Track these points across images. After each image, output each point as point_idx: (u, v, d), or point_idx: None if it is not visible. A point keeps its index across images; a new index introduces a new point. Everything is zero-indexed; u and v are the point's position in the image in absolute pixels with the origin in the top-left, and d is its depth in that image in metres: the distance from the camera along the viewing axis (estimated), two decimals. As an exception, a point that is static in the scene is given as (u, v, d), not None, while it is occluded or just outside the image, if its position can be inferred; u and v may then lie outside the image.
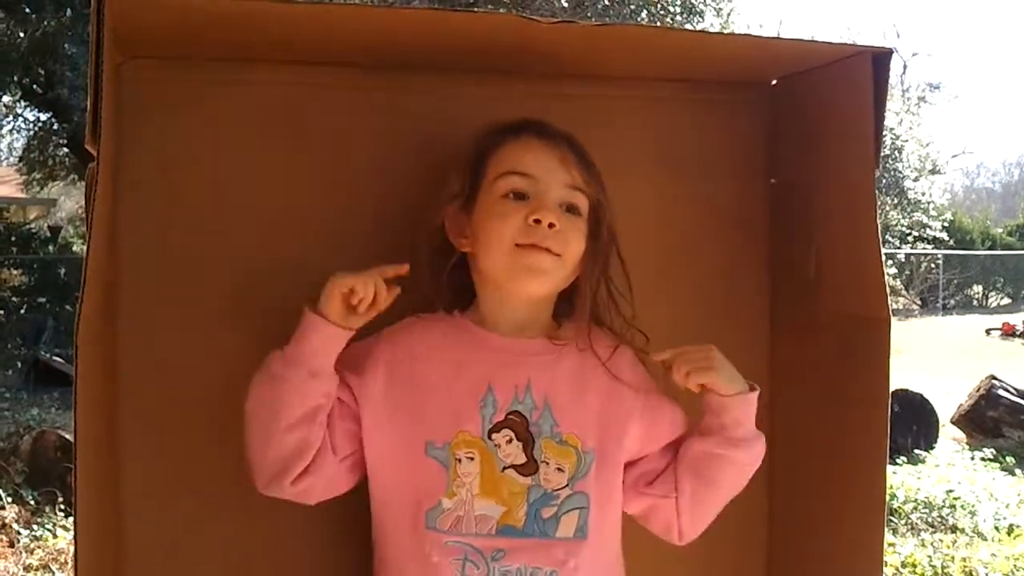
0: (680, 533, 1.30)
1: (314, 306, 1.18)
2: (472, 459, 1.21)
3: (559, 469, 1.23)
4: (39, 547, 4.04)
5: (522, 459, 1.22)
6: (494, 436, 1.22)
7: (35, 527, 4.24)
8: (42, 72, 9.19)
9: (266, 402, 1.19)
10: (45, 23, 8.06)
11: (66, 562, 3.83)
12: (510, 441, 1.22)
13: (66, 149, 10.90)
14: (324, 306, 1.18)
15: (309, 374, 1.17)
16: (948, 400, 7.25)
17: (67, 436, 4.75)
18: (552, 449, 1.23)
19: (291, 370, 1.17)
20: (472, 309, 1.30)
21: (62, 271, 12.19)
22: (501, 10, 6.90)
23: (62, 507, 4.37)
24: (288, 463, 1.19)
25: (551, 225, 1.20)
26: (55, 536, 4.16)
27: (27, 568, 3.84)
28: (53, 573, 3.81)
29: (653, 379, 1.31)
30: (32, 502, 4.51)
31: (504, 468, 1.22)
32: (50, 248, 14.01)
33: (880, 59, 1.32)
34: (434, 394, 1.24)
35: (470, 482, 1.21)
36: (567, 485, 1.23)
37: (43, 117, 10.97)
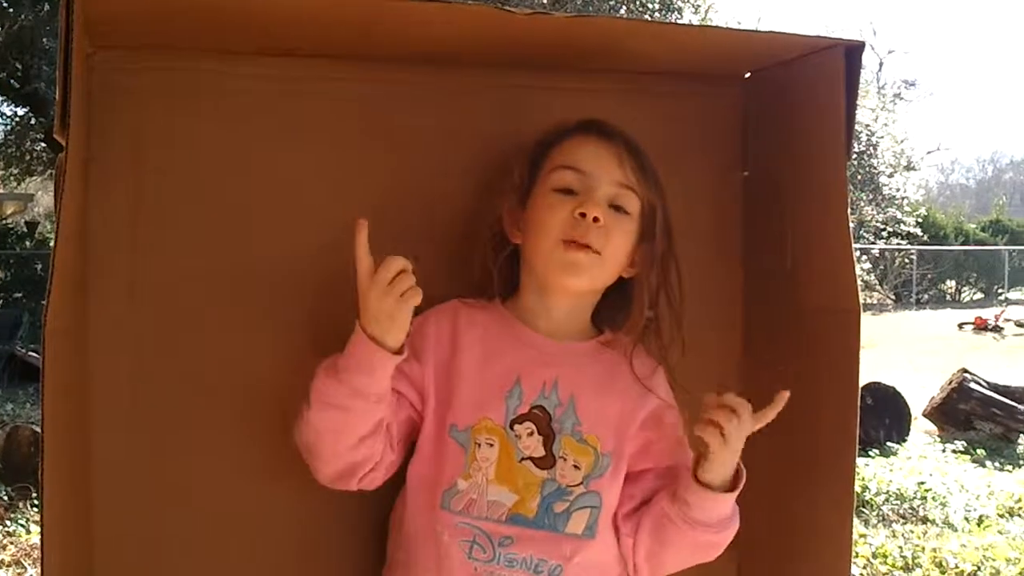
0: (635, 569, 1.30)
1: (370, 336, 1.13)
2: (492, 446, 1.24)
3: (575, 466, 1.25)
4: (11, 543, 4.02)
5: (541, 452, 1.24)
6: (516, 427, 1.24)
7: (8, 523, 4.21)
8: (19, 67, 9.11)
9: (332, 430, 1.19)
10: (22, 17, 7.97)
11: (40, 557, 3.80)
12: (531, 434, 1.24)
13: (43, 144, 10.80)
14: (389, 337, 1.14)
15: (376, 400, 1.17)
16: (921, 393, 7.32)
17: (40, 431, 4.70)
18: (571, 447, 1.25)
19: (357, 401, 1.16)
20: (515, 300, 1.32)
21: (39, 267, 12.06)
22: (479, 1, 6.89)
23: (35, 503, 4.33)
24: (355, 471, 1.22)
25: (596, 220, 1.23)
26: (28, 532, 4.13)
27: (-2, 563, 3.81)
28: (25, 569, 3.78)
29: (677, 406, 1.33)
30: (5, 498, 4.47)
31: (522, 459, 1.24)
32: (27, 243, 13.87)
33: (852, 52, 1.33)
34: (464, 380, 1.26)
35: (486, 467, 1.23)
36: (581, 483, 1.25)
37: (20, 112, 10.89)
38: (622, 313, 1.33)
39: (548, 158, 1.30)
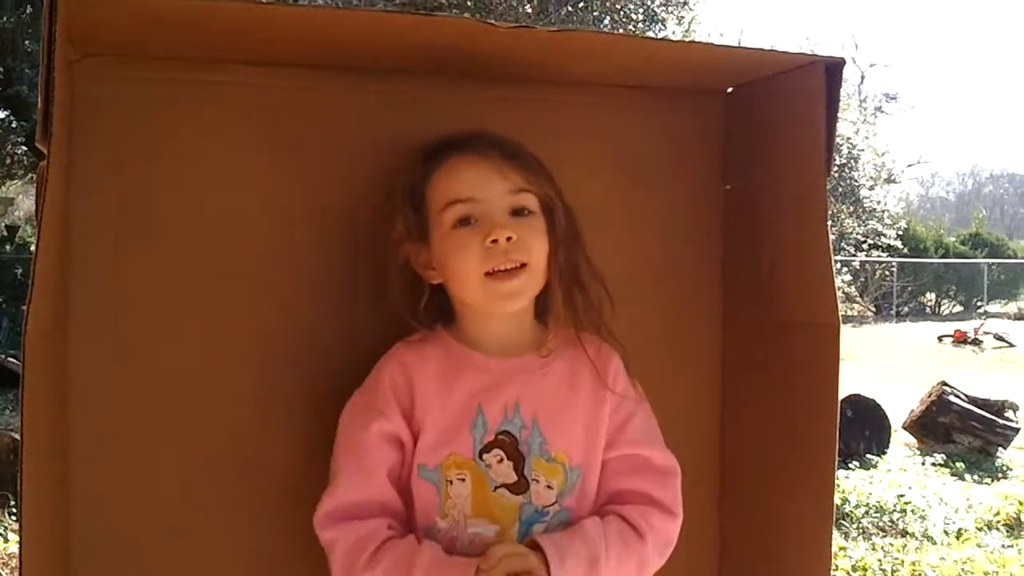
0: None
1: None
2: (463, 480, 1.22)
3: (548, 487, 1.23)
4: (-11, 551, 3.98)
5: (513, 478, 1.23)
6: (485, 456, 1.22)
7: (-14, 531, 4.17)
8: (1, 69, 9.04)
9: None
10: (5, 19, 7.93)
11: (18, 566, 3.76)
12: (501, 461, 1.23)
13: (24, 147, 10.72)
14: None
15: None
16: (901, 406, 7.36)
17: (19, 438, 4.66)
18: (542, 467, 1.24)
19: None
20: (456, 326, 1.30)
21: (19, 271, 11.99)
22: (466, 15, 6.90)
23: (14, 511, 4.30)
24: None
25: (509, 239, 1.21)
26: (6, 540, 4.09)
27: (-25, 572, 3.77)
28: (2, 577, 3.75)
29: (634, 386, 1.32)
30: (-17, 505, 4.43)
31: (496, 487, 1.22)
32: (7, 247, 13.78)
33: (833, 68, 1.35)
34: (427, 419, 1.23)
35: (462, 503, 1.22)
36: (556, 502, 1.24)
37: (1, 115, 10.79)
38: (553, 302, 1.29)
39: (429, 195, 1.26)
